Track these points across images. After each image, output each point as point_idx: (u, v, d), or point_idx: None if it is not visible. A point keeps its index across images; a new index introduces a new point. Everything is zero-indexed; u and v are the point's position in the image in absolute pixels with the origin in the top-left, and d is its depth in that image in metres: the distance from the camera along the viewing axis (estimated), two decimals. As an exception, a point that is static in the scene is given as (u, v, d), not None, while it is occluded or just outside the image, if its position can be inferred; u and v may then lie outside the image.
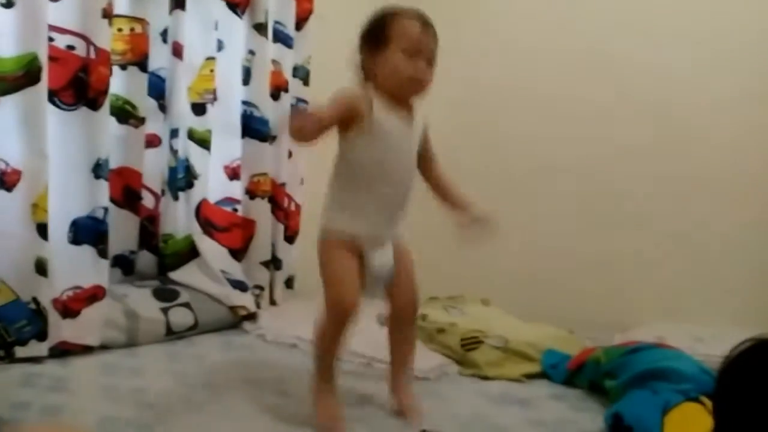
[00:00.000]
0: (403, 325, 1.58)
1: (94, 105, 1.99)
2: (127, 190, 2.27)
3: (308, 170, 2.70)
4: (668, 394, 1.58)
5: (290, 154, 2.65)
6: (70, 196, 1.95)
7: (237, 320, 2.35)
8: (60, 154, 1.92)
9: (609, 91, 2.67)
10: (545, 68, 2.79)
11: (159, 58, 2.30)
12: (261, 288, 2.56)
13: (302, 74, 2.68)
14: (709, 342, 2.18)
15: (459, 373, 1.96)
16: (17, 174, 1.82)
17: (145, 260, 2.37)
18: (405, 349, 1.60)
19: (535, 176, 2.82)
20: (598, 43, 2.68)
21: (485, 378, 1.94)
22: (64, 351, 1.87)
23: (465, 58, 2.88)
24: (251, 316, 2.38)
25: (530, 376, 1.97)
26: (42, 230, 1.83)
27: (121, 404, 1.57)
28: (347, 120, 1.46)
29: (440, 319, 2.20)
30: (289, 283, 2.68)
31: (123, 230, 2.26)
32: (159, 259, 2.37)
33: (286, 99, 2.60)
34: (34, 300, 1.81)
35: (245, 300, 2.38)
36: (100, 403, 1.57)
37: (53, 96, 1.93)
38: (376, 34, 1.50)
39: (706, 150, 2.54)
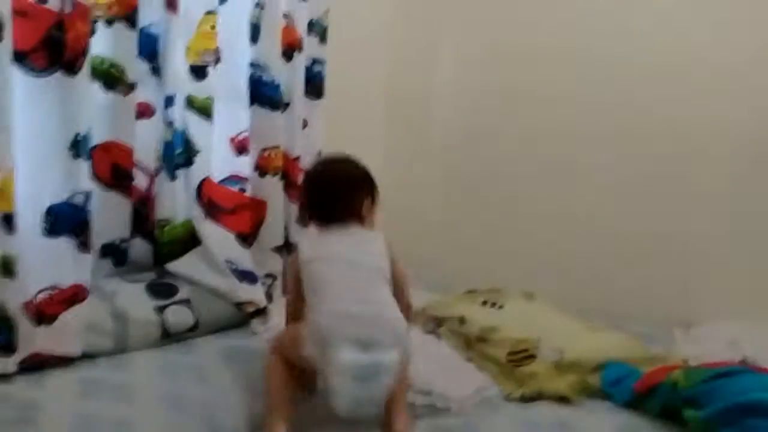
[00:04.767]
0: None
1: (72, 68, 1.65)
2: (115, 169, 1.96)
3: (326, 140, 2.37)
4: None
5: (305, 124, 2.32)
6: (43, 179, 1.64)
7: (244, 317, 2.06)
8: (30, 129, 1.61)
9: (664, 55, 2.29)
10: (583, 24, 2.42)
11: (150, 11, 1.94)
12: (273, 277, 2.25)
13: (319, 30, 2.32)
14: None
15: (504, 398, 1.65)
16: (-24, 154, 1.51)
17: (139, 249, 2.07)
18: None
19: (576, 145, 2.47)
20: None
21: (531, 399, 1.63)
22: (38, 364, 1.59)
23: (487, 17, 2.56)
24: (261, 312, 2.08)
25: (588, 395, 1.66)
26: (7, 222, 1.53)
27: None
28: None
29: (480, 323, 1.89)
30: (304, 270, 2.38)
31: (112, 216, 1.96)
32: (154, 247, 2.07)
33: (300, 59, 2.25)
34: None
35: (254, 294, 2.07)
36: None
37: (22, 58, 1.60)
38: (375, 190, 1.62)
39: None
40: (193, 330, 1.92)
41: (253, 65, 2.17)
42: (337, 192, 1.59)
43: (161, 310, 1.87)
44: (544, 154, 2.55)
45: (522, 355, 1.72)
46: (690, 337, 2.16)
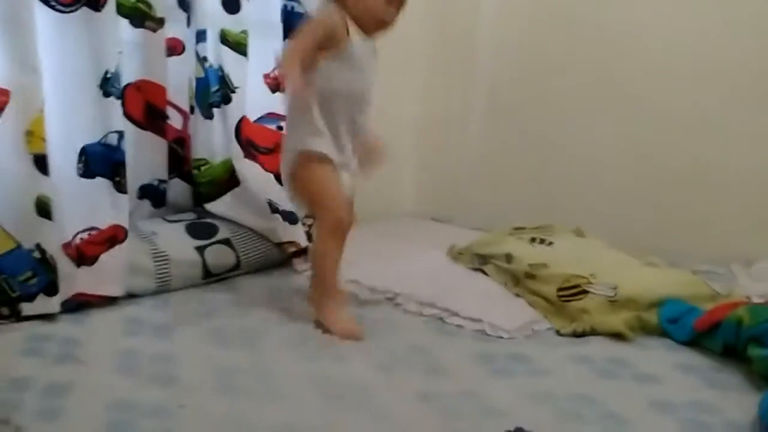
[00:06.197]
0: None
1: (96, 4, 1.60)
2: (149, 109, 1.91)
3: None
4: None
5: (342, 58, 2.22)
6: (75, 119, 1.60)
7: (286, 257, 2.03)
8: (57, 68, 1.56)
9: None
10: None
11: (176, -59, 1.87)
12: (313, 217, 2.20)
13: (354, -43, 2.19)
14: None
15: (556, 333, 1.58)
16: (4, 94, 1.47)
17: (178, 190, 2.05)
18: None
19: (627, 77, 2.31)
20: None
21: (583, 335, 1.55)
22: (81, 304, 1.60)
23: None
24: (302, 252, 2.05)
25: (644, 333, 1.58)
26: (40, 163, 1.50)
27: (139, 380, 1.27)
28: (324, 46, 1.49)
29: (529, 259, 1.80)
30: (346, 209, 2.32)
31: (149, 156, 1.93)
32: (193, 188, 2.04)
33: (335, -11, 2.13)
34: (38, 247, 1.51)
35: (295, 233, 2.04)
36: (115, 379, 1.28)
37: (45, -6, 1.55)
38: None
39: None
40: (235, 269, 1.90)
41: (286, -5, 2.07)
42: None
43: (202, 250, 1.85)
44: (593, 85, 2.39)
45: (573, 291, 1.63)
46: (751, 273, 2.04)
